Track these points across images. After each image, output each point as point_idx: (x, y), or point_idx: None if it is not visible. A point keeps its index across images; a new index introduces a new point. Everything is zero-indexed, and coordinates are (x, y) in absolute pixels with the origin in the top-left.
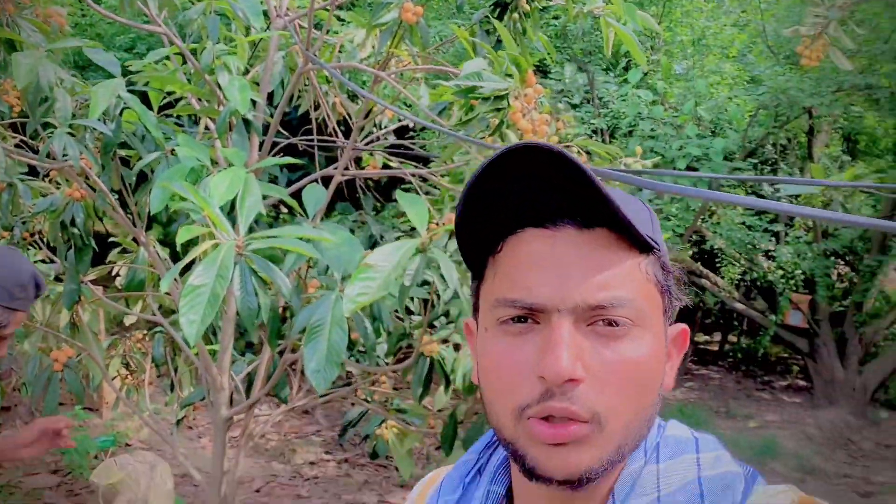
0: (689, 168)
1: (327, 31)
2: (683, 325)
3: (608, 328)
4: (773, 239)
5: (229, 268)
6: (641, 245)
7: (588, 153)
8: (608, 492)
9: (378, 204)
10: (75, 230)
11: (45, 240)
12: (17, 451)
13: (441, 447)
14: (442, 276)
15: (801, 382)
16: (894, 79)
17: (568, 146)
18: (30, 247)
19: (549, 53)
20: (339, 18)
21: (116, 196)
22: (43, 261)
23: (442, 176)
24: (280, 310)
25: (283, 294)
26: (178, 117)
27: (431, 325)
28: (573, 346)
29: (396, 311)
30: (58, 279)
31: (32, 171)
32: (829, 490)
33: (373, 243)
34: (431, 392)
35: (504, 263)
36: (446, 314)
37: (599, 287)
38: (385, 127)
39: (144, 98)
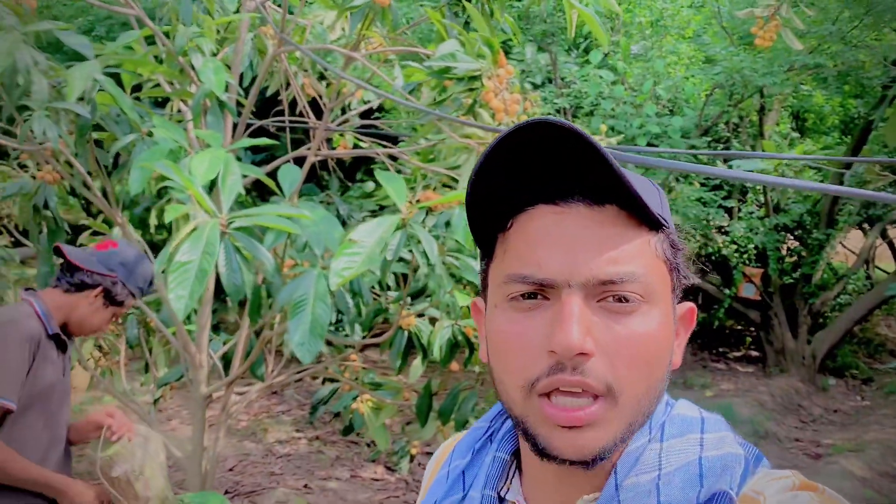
0: (649, 145)
1: (295, 13)
2: (691, 304)
3: (618, 304)
4: (727, 215)
5: (215, 245)
6: (651, 222)
7: None
8: (611, 467)
9: (343, 184)
10: (48, 213)
11: (13, 224)
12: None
13: (417, 419)
14: (423, 252)
15: (755, 353)
16: (841, 59)
17: None
18: None
19: (514, 34)
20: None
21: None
22: (7, 245)
23: (415, 155)
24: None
25: (265, 271)
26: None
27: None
28: (583, 321)
29: (372, 287)
30: (23, 263)
31: None
32: (781, 453)
33: (340, 223)
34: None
35: (513, 240)
36: (422, 289)
37: (609, 262)
38: (353, 108)
39: (115, 80)
